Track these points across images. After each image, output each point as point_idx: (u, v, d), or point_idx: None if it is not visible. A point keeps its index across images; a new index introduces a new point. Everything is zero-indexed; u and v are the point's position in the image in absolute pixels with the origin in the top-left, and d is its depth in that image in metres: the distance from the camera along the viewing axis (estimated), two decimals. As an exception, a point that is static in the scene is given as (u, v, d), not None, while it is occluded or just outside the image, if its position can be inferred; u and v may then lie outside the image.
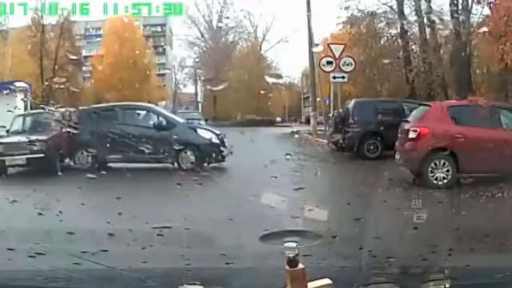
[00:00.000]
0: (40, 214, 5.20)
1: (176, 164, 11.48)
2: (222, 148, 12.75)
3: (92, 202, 6.70)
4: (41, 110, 15.35)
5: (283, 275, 1.90)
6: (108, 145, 10.63)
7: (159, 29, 31.37)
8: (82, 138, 11.78)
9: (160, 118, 13.39)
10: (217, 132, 13.63)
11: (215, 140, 12.93)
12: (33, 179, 10.51)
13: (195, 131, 13.29)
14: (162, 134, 12.25)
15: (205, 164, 11.89)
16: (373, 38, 23.59)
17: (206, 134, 13.15)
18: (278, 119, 31.31)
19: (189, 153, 12.13)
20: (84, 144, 11.86)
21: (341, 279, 2.10)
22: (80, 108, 14.56)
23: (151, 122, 13.18)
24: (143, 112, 14.06)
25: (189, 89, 33.54)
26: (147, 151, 10.16)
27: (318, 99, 21.57)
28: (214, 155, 12.33)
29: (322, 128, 19.95)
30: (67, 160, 12.51)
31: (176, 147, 11.55)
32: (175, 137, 12.18)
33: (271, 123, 28.82)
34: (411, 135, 10.48)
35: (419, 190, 9.00)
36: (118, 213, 5.11)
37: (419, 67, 22.62)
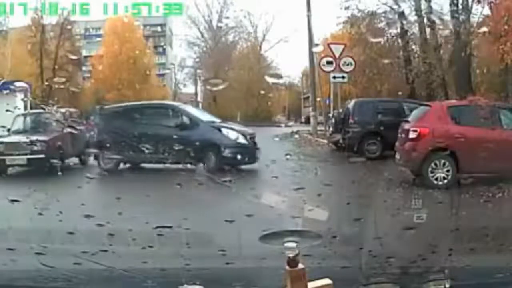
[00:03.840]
0: (40, 214, 5.20)
1: (201, 165, 10.87)
2: (251, 149, 12.15)
3: (92, 202, 6.70)
4: (42, 110, 15.34)
5: (283, 275, 1.90)
6: (130, 145, 10.41)
7: (159, 29, 31.37)
8: (105, 138, 11.68)
9: (183, 117, 12.71)
10: (249, 131, 12.98)
11: (242, 140, 12.26)
12: (33, 179, 10.51)
13: (220, 130, 12.53)
14: (184, 134, 11.73)
15: (229, 166, 11.24)
16: (373, 38, 23.57)
17: (232, 134, 12.41)
18: (278, 119, 31.32)
19: (212, 154, 11.55)
20: (106, 144, 11.65)
21: (341, 279, 2.10)
22: (105, 107, 14.39)
23: (174, 121, 12.53)
24: (166, 111, 13.42)
25: (189, 89, 33.54)
26: (168, 151, 9.77)
27: (318, 99, 21.56)
28: (240, 156, 11.53)
29: (322, 128, 19.94)
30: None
31: (199, 148, 10.97)
32: (198, 137, 11.62)
33: (272, 123, 28.82)
34: (411, 135, 10.48)
35: (419, 190, 9.01)
36: (118, 213, 5.12)
37: (419, 67, 22.61)
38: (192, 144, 10.69)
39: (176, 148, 9.51)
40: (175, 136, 10.98)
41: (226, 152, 11.64)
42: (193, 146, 10.53)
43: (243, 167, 11.63)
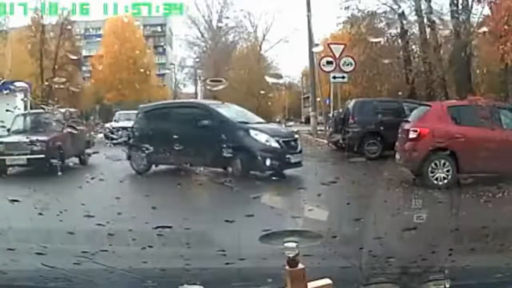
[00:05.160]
0: (40, 214, 5.21)
1: (229, 170, 10.28)
2: (284, 154, 10.77)
3: (92, 202, 6.70)
4: (42, 110, 15.35)
5: (283, 275, 1.90)
6: (157, 146, 10.00)
7: (159, 29, 31.41)
8: (139, 138, 11.44)
9: (211, 118, 11.54)
10: (284, 131, 11.87)
11: (273, 144, 10.88)
12: (33, 179, 10.50)
13: (247, 132, 11.11)
14: (211, 135, 10.75)
15: (257, 173, 10.28)
16: (373, 38, 23.59)
17: (260, 136, 10.99)
18: (278, 119, 31.35)
19: (238, 158, 10.39)
20: (140, 144, 11.22)
21: (341, 279, 2.10)
22: (140, 105, 14.06)
23: (201, 122, 11.38)
24: (194, 110, 12.45)
25: (189, 89, 33.58)
26: (196, 153, 9.21)
27: (318, 99, 21.58)
28: (268, 162, 10.30)
29: (322, 128, 19.95)
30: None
31: (224, 151, 9.90)
32: (224, 139, 10.54)
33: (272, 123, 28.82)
34: (411, 135, 10.47)
35: (419, 190, 9.01)
36: (117, 213, 5.13)
37: (419, 67, 22.64)
38: (218, 146, 9.90)
39: (202, 150, 8.95)
40: (201, 138, 10.36)
41: (253, 156, 10.45)
42: (220, 149, 9.74)
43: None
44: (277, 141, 10.92)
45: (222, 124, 11.25)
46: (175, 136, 9.95)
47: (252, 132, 11.09)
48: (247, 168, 10.18)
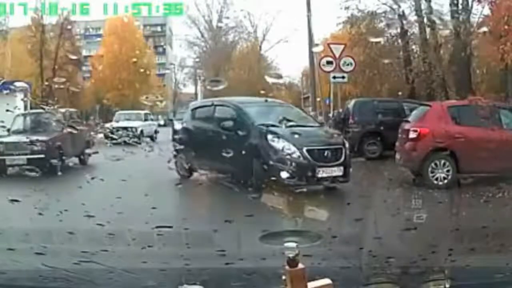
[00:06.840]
0: (40, 214, 5.20)
1: (251, 178, 8.72)
2: (306, 167, 8.97)
3: (92, 202, 6.70)
4: (42, 110, 15.36)
5: (283, 275, 1.90)
6: (195, 149, 9.29)
7: (159, 29, 31.47)
8: (181, 140, 11.01)
9: (235, 117, 10.16)
10: (322, 138, 9.79)
11: (295, 153, 9.08)
12: (33, 179, 10.49)
13: (265, 137, 9.39)
14: (231, 137, 9.41)
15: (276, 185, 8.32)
16: (373, 38, 23.63)
17: (278, 142, 9.23)
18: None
19: (254, 166, 9.06)
20: (182, 147, 10.40)
21: (341, 279, 2.10)
22: (192, 103, 13.40)
23: (226, 123, 10.03)
24: (227, 110, 10.78)
25: (189, 89, 33.62)
26: (220, 159, 8.13)
27: (318, 99, 21.59)
28: (284, 175, 8.55)
29: (322, 128, 19.94)
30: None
31: (244, 157, 8.58)
32: (243, 143, 9.23)
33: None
34: (412, 135, 10.47)
35: (419, 190, 9.00)
36: (117, 213, 5.12)
37: (419, 67, 22.65)
38: (238, 151, 8.29)
39: (225, 156, 7.71)
40: (224, 141, 9.21)
41: (267, 166, 8.79)
42: (239, 154, 8.22)
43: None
44: (300, 150, 9.09)
45: (242, 126, 9.72)
46: (204, 140, 9.72)
47: (269, 137, 9.34)
48: (261, 178, 8.39)
